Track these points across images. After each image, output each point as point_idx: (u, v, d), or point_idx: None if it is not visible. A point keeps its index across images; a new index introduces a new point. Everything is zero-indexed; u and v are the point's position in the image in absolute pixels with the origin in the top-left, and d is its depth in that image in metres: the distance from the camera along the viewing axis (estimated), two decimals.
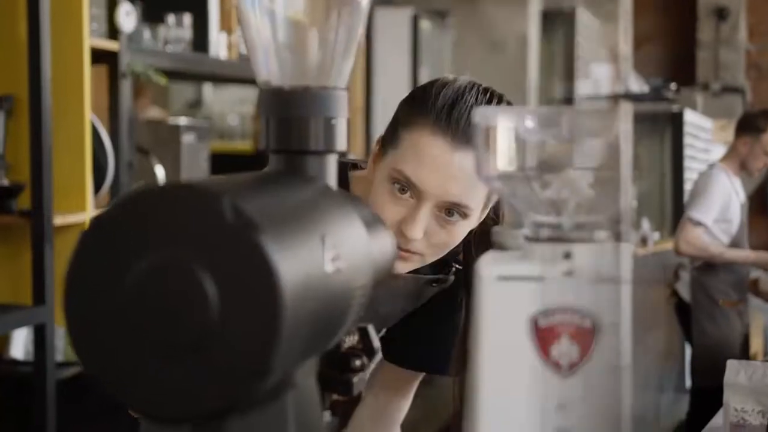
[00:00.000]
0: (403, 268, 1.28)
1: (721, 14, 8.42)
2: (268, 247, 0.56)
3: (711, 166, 4.72)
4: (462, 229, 1.27)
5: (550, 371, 0.63)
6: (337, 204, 0.71)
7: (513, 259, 0.66)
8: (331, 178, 0.75)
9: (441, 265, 1.42)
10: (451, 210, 1.24)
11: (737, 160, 4.53)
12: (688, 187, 7.16)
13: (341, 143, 0.74)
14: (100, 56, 2.69)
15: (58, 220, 2.42)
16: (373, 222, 0.78)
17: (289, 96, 0.72)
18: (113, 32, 2.72)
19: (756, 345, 5.28)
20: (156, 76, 2.82)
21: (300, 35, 0.74)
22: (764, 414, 1.83)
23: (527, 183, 0.67)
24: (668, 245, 6.16)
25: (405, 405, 1.55)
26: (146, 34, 2.95)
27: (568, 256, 0.64)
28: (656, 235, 5.99)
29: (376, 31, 4.79)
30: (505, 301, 0.64)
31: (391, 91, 4.57)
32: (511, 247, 0.71)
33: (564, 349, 0.63)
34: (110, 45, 2.71)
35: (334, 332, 0.69)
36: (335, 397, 0.84)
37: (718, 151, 8.37)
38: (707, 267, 4.46)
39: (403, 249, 1.25)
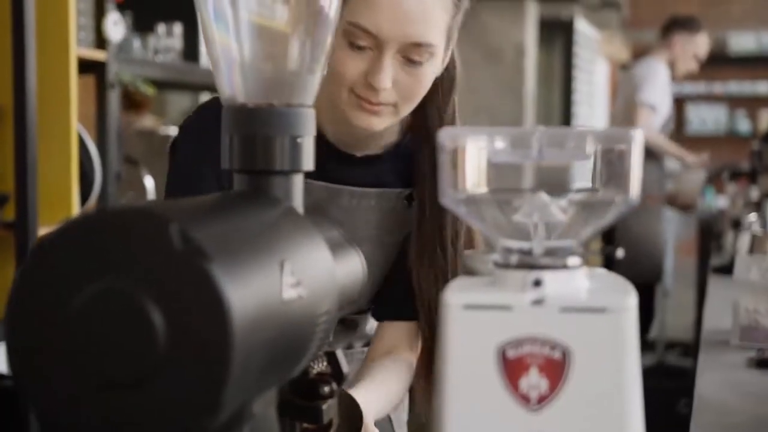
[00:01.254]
0: (377, 123, 1.25)
1: None
2: (218, 276, 0.53)
3: (640, 59, 4.68)
4: (428, 71, 1.25)
5: (518, 405, 0.60)
6: (301, 227, 0.68)
7: (481, 286, 0.64)
8: (297, 199, 0.72)
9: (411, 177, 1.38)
10: (414, 56, 1.22)
11: (667, 58, 4.50)
12: (576, 98, 7.17)
13: (308, 162, 0.71)
14: (88, 66, 2.66)
15: (43, 232, 2.39)
16: (340, 244, 0.76)
17: (252, 113, 0.70)
18: (102, 42, 2.69)
19: None
20: (144, 86, 2.80)
21: (265, 50, 0.72)
22: None
23: (496, 206, 0.64)
24: None
25: (413, 360, 1.42)
26: (136, 43, 2.92)
27: (538, 283, 0.61)
28: None
29: None
30: (472, 330, 0.61)
31: None
32: (482, 272, 0.68)
33: (533, 381, 0.60)
34: (97, 55, 2.68)
35: (295, 361, 0.66)
36: (305, 425, 0.81)
37: (601, 64, 8.34)
38: None
39: (373, 102, 1.23)
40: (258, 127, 0.70)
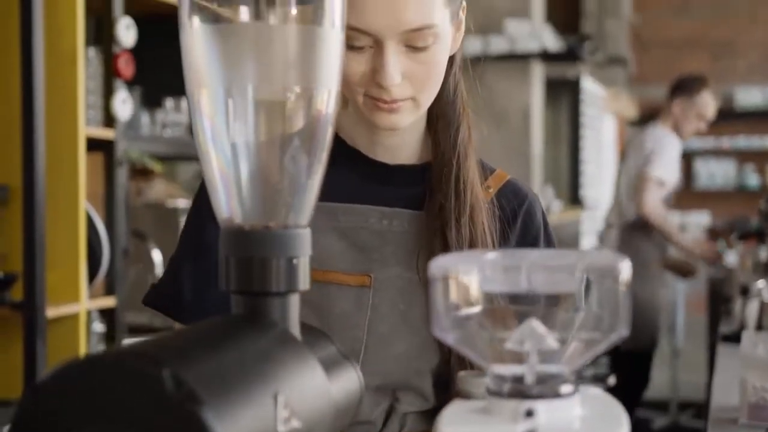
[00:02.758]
0: (399, 120, 1.18)
1: None
2: (211, 421, 0.54)
3: (649, 125, 4.64)
4: (438, 53, 1.17)
5: None
6: (295, 353, 0.68)
7: (474, 415, 0.64)
8: (293, 319, 0.72)
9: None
10: (418, 42, 1.14)
11: (671, 122, 4.50)
12: (583, 156, 7.20)
13: (304, 282, 0.72)
14: (96, 144, 2.69)
15: (51, 312, 2.39)
16: (335, 361, 0.76)
17: (249, 236, 0.71)
18: (110, 120, 2.72)
19: None
20: (151, 162, 2.82)
21: (262, 171, 0.72)
22: None
23: (487, 334, 0.65)
24: (572, 215, 6.20)
25: None
26: (144, 118, 2.96)
27: (530, 414, 0.61)
28: (558, 204, 6.15)
29: None
30: None
31: None
32: (476, 396, 0.68)
33: None
34: (105, 133, 2.71)
35: None
36: None
37: (608, 121, 8.40)
38: (639, 226, 4.35)
39: (388, 101, 1.16)
40: (254, 249, 0.70)
